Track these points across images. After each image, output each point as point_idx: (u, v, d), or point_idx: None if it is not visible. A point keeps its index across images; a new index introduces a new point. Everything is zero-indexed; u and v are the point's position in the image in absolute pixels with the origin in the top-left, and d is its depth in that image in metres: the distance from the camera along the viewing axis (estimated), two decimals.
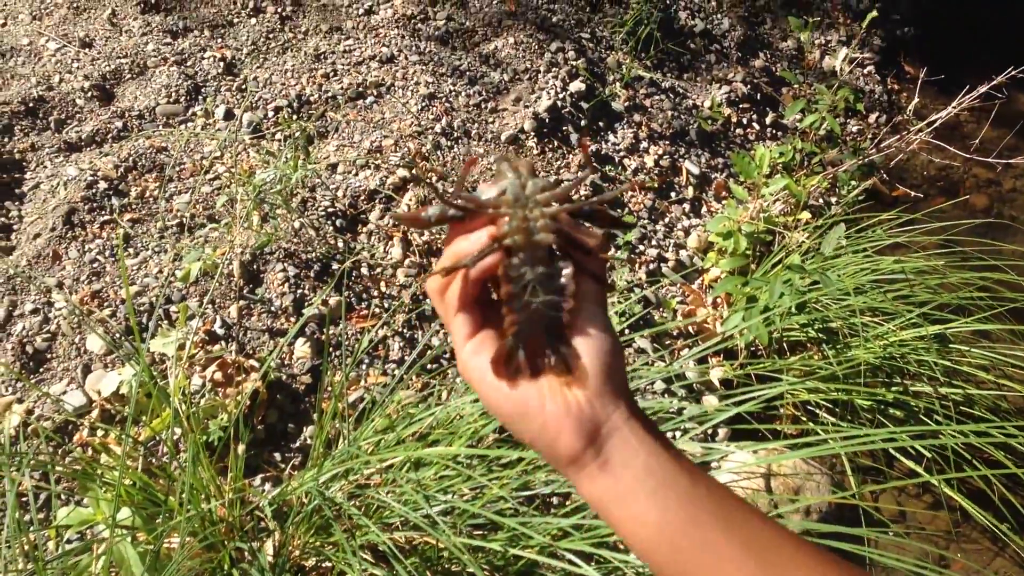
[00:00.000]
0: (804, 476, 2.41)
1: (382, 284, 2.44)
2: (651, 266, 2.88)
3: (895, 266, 2.69)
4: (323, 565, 1.71)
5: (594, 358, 0.64)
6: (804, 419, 2.51)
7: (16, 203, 2.47)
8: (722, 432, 2.50)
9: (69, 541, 1.76)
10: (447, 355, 2.31)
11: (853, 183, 3.38)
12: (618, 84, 3.44)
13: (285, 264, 2.35)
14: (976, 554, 2.45)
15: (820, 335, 2.65)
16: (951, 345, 2.55)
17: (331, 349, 2.21)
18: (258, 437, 2.02)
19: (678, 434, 2.37)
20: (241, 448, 1.81)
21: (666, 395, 2.46)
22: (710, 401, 2.49)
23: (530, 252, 0.64)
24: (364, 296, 2.39)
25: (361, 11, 3.39)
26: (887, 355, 2.51)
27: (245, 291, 2.25)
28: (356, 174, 2.69)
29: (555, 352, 0.65)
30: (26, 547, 1.54)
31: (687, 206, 3.19)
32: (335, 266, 2.41)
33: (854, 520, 2.30)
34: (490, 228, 0.65)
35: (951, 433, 2.30)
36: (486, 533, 1.65)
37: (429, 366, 2.24)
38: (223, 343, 2.14)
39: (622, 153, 3.15)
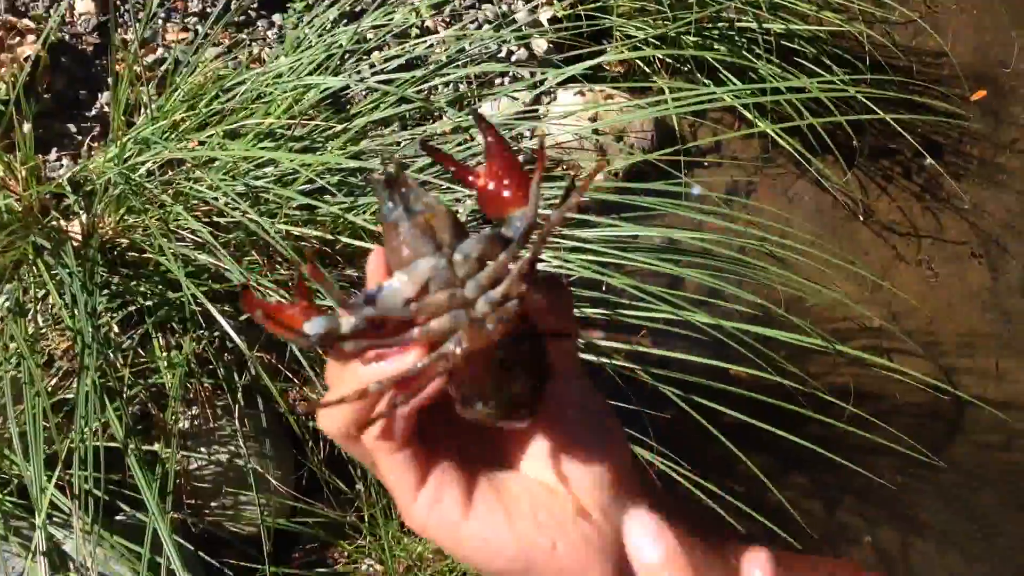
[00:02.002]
0: (627, 111, 2.43)
1: None
2: None
3: None
4: (142, 244, 1.64)
5: (600, 453, 0.48)
6: (630, 56, 2.48)
7: None
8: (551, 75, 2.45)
9: None
10: (256, 5, 2.09)
11: None
12: None
13: None
14: (780, 178, 2.62)
15: None
16: None
17: (119, 3, 1.95)
18: (46, 107, 1.82)
19: (506, 80, 2.31)
20: (28, 127, 1.63)
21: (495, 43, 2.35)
22: (539, 45, 2.41)
23: (486, 355, 0.45)
24: None
25: None
26: None
27: None
28: None
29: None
30: None
31: None
32: None
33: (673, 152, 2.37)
34: (412, 333, 0.44)
35: (769, 69, 2.34)
36: (316, 204, 1.59)
37: (237, 19, 2.03)
38: None
39: None
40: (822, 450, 1.60)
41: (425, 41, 1.94)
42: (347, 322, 0.44)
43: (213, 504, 1.56)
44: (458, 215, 0.45)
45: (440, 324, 0.44)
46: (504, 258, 0.45)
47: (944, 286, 2.47)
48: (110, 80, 1.85)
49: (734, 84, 2.40)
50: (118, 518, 1.47)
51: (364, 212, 1.60)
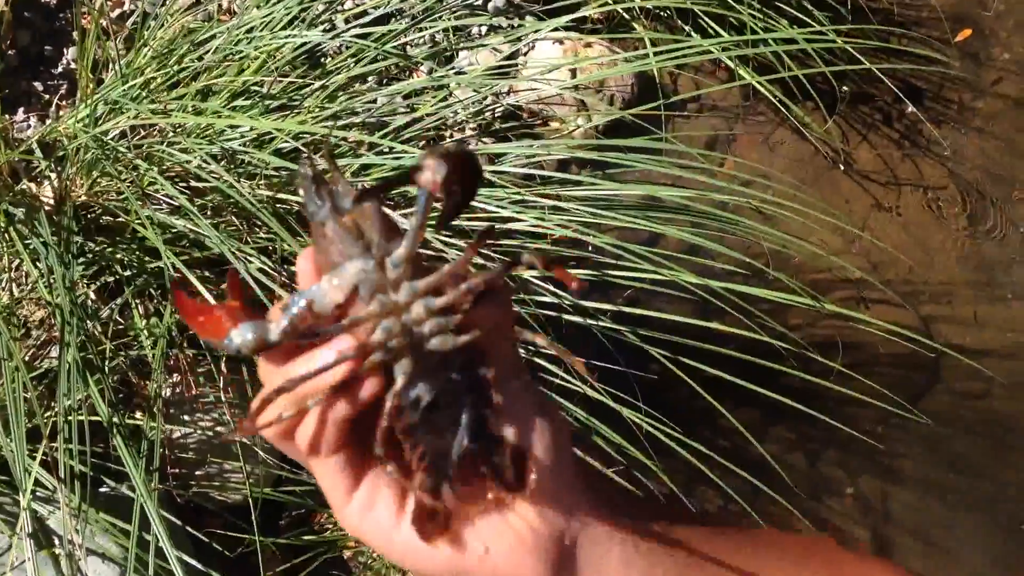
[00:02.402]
0: (608, 66, 2.39)
1: None
2: None
3: None
4: (116, 210, 1.60)
5: (538, 451, 0.46)
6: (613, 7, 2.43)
7: None
8: (530, 19, 2.40)
9: None
10: None
11: None
12: None
13: None
14: (759, 125, 2.60)
15: None
16: None
17: None
18: (10, 64, 1.76)
19: (483, 29, 2.26)
20: None
21: None
22: None
23: (422, 365, 0.44)
24: None
25: None
26: None
27: None
28: None
29: (489, 465, 0.45)
30: None
31: None
32: None
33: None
34: (346, 341, 0.43)
35: (750, 14, 2.31)
36: (292, 167, 1.55)
37: None
38: None
39: None
40: (801, 405, 1.60)
41: None
42: (276, 328, 0.42)
43: (198, 473, 1.54)
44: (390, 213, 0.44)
45: (373, 338, 0.43)
46: (449, 269, 0.44)
47: (923, 234, 2.48)
48: (75, 35, 1.78)
49: (715, 30, 2.36)
50: (102, 490, 1.45)
51: (343, 175, 1.56)
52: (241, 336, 0.42)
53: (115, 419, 1.21)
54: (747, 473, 1.66)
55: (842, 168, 2.50)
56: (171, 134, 1.53)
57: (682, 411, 1.70)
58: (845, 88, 2.52)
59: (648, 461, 1.60)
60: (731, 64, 2.30)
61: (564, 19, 1.78)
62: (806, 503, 1.81)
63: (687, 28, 2.43)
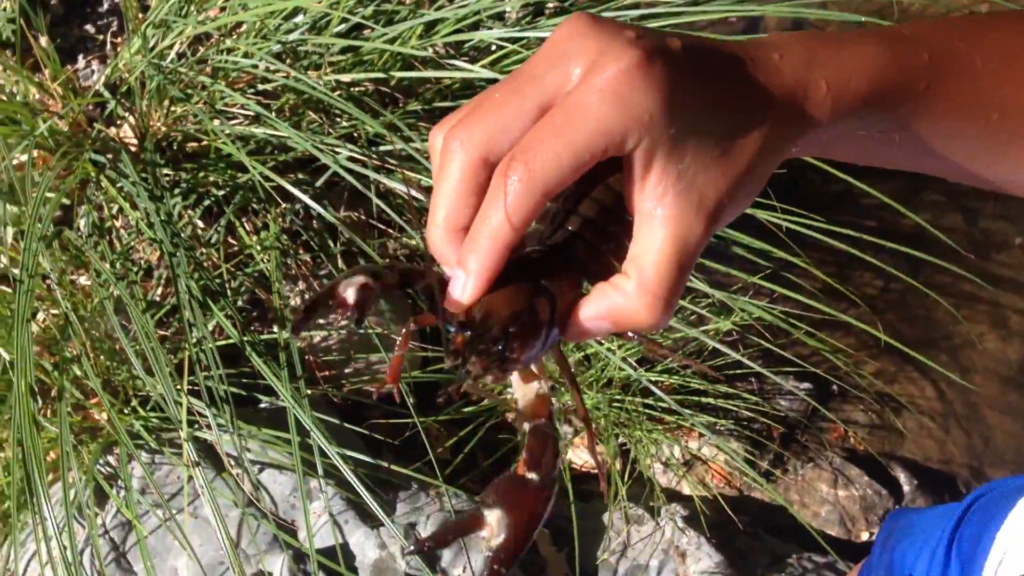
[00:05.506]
0: None
1: None
2: None
3: None
4: (196, 134, 1.57)
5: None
6: None
7: None
8: None
9: None
10: None
11: None
12: None
13: None
14: None
15: None
16: None
17: None
18: (56, 14, 1.72)
19: None
20: (45, 40, 1.54)
21: None
22: None
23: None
24: None
25: None
26: None
27: None
28: None
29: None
30: None
31: None
32: None
33: None
34: None
35: None
36: (357, 44, 1.47)
37: None
38: None
39: None
40: None
41: None
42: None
43: (347, 371, 1.55)
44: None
45: None
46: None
47: None
48: None
49: None
50: (262, 406, 1.48)
51: (410, 40, 1.48)
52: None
53: (246, 338, 1.21)
54: (902, 246, 1.53)
55: None
56: (227, 42, 1.47)
57: (817, 200, 1.59)
58: None
59: (795, 259, 1.50)
60: None
61: None
62: (973, 264, 1.67)
63: None
